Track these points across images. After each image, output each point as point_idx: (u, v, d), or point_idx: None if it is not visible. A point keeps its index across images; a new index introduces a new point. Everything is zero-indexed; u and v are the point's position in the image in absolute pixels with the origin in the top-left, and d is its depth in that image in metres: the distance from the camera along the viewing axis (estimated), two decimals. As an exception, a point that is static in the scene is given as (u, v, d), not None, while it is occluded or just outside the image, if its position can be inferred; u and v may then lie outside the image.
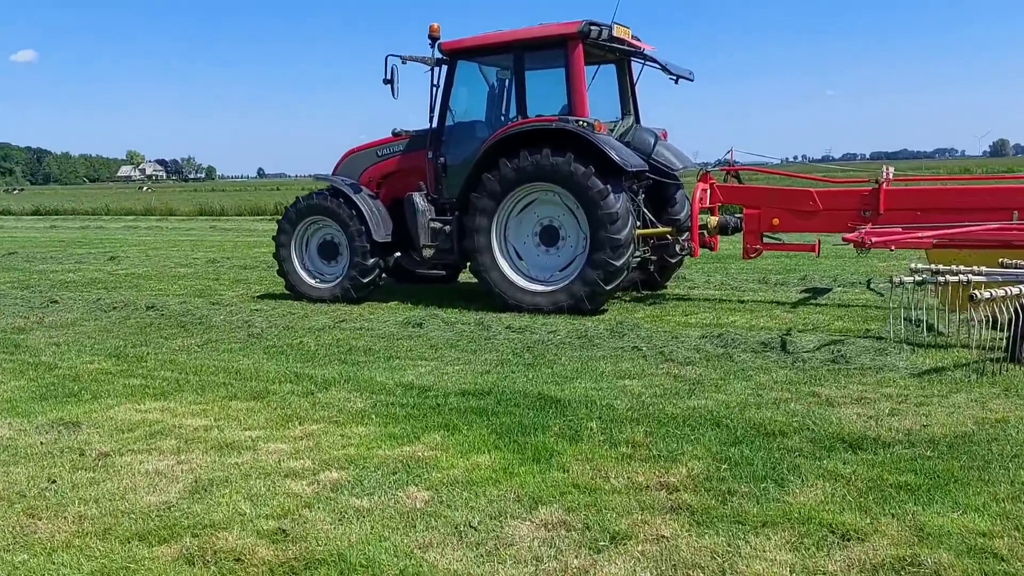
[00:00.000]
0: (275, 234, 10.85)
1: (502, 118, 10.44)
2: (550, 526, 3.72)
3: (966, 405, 5.29)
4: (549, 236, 9.40)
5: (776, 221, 9.17)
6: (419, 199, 10.15)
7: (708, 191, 9.57)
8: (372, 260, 10.25)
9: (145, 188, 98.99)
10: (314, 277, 10.73)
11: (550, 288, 9.27)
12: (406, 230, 10.25)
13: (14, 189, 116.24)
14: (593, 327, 8.06)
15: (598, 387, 5.91)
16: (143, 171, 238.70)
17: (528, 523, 3.75)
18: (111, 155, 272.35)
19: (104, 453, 4.85)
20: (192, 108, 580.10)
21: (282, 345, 7.72)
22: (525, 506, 3.92)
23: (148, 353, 7.45)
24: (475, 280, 9.75)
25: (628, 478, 4.22)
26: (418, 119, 10.08)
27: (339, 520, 3.83)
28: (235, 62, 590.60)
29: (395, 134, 10.55)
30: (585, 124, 9.03)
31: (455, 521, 3.78)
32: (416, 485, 4.22)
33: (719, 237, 9.98)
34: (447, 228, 10.06)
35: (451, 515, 3.84)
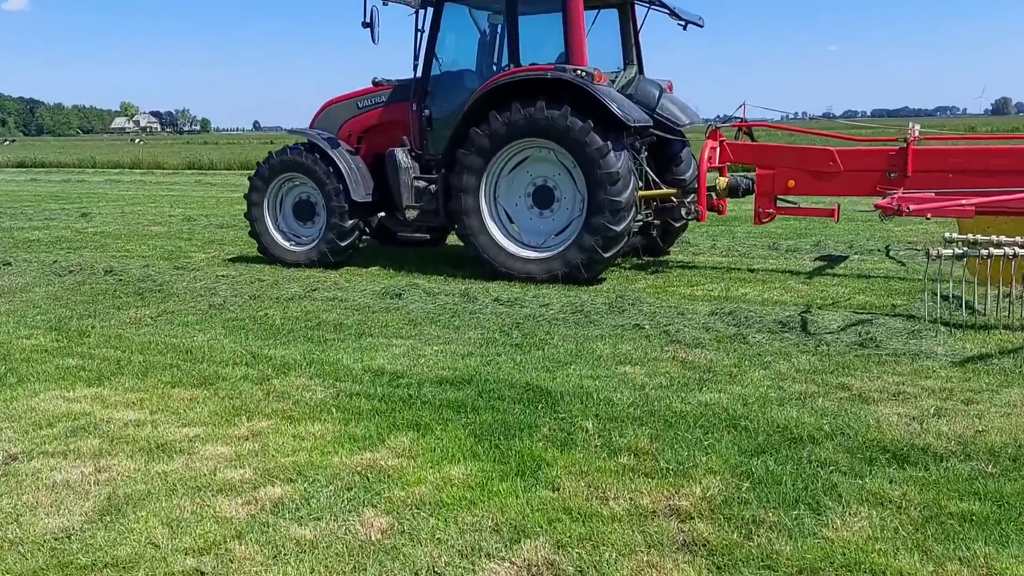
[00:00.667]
0: (247, 192, 10.01)
1: (493, 67, 9.55)
2: (534, 569, 2.99)
3: (1022, 404, 4.55)
4: (543, 197, 8.58)
5: (792, 183, 8.34)
6: (402, 155, 9.30)
7: (717, 149, 8.72)
8: (351, 222, 9.44)
9: (137, 140, 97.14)
10: (289, 239, 9.92)
11: (544, 255, 8.47)
12: (388, 189, 9.42)
13: (5, 140, 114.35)
14: (590, 300, 7.28)
15: (595, 375, 5.16)
16: (137, 123, 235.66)
17: (507, 564, 3.02)
18: (105, 106, 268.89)
19: (12, 456, 4.11)
20: (188, 60, 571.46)
21: (244, 318, 6.94)
22: (504, 539, 3.19)
23: (94, 326, 6.68)
24: (462, 244, 8.95)
25: (630, 500, 3.49)
26: (403, 67, 9.11)
27: (273, 558, 3.10)
28: (232, 12, 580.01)
29: (376, 83, 9.66)
30: (584, 74, 8.15)
31: (417, 562, 3.05)
32: (374, 506, 3.48)
33: (727, 200, 9.15)
34: (432, 188, 9.23)
35: (412, 552, 3.11)
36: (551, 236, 8.58)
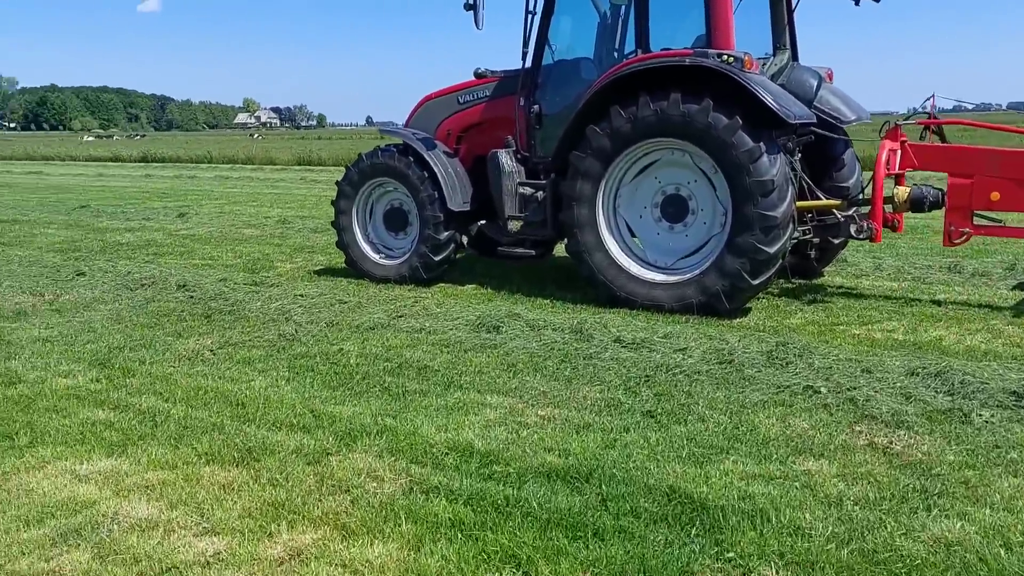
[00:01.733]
0: (334, 198, 8.96)
1: (615, 54, 8.14)
2: None
3: None
4: (675, 209, 7.12)
5: (996, 195, 6.58)
6: (505, 158, 8.01)
7: (898, 152, 7.04)
8: (446, 234, 8.23)
9: (255, 136, 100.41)
10: (379, 251, 8.80)
11: (674, 279, 7.02)
12: (489, 196, 8.17)
13: (136, 135, 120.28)
14: (739, 344, 5.78)
15: (766, 474, 3.71)
16: (258, 118, 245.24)
17: None
18: (229, 102, 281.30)
19: (-29, 575, 3.03)
20: (307, 56, 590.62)
21: (315, 354, 5.81)
22: None
23: (144, 361, 5.69)
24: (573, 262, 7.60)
25: None
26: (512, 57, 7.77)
27: None
28: (350, 9, 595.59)
29: (478, 75, 8.40)
30: (731, 60, 6.65)
31: None
32: None
33: (906, 214, 7.42)
34: (539, 195, 7.91)
35: None
36: (684, 256, 7.12)
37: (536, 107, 7.99)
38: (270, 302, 7.43)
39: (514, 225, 8.14)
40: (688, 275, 6.95)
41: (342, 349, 5.92)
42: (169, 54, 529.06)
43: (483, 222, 8.81)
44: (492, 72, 8.37)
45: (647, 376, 5.19)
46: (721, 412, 4.52)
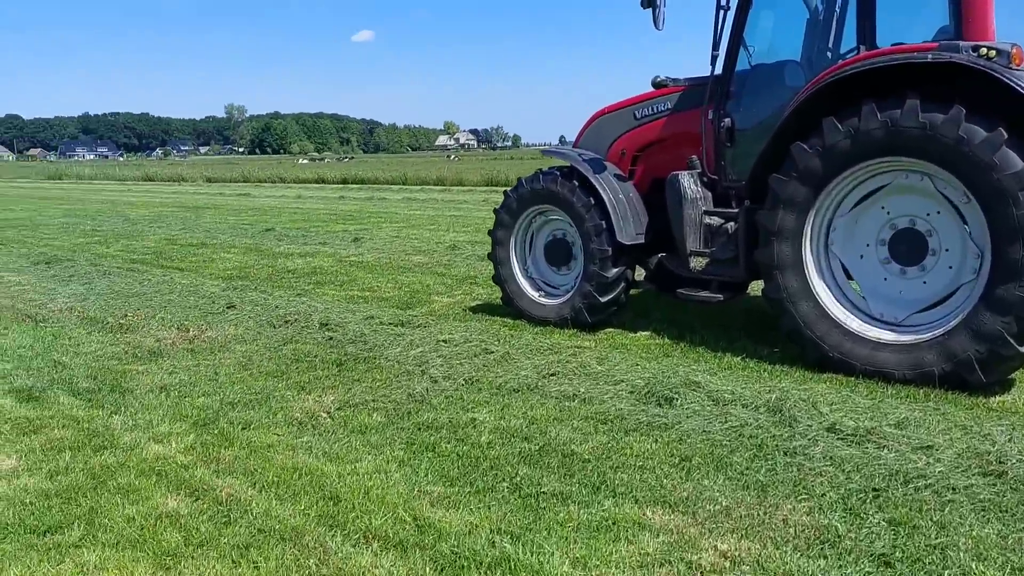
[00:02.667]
0: (491, 227, 8.00)
1: (828, 54, 6.62)
2: None
3: None
4: (908, 248, 5.50)
5: None
6: (688, 181, 6.70)
7: None
8: (614, 271, 7.02)
9: (452, 157, 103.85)
10: (539, 288, 7.73)
11: (907, 338, 5.39)
12: (668, 226, 6.88)
13: (345, 158, 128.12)
14: (1010, 442, 4.13)
15: None
16: (457, 140, 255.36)
17: None
18: (431, 125, 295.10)
19: None
20: (504, 79, 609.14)
21: (442, 425, 4.79)
22: None
23: (250, 424, 4.92)
24: (771, 308, 6.13)
25: None
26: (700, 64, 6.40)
27: None
28: (546, 31, 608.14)
29: (657, 85, 7.13)
30: (992, 53, 4.99)
31: None
32: None
33: None
34: (729, 227, 6.53)
35: None
36: (919, 309, 5.48)
37: (727, 121, 6.62)
38: (410, 348, 6.53)
39: (697, 263, 6.79)
40: (927, 335, 5.30)
41: (475, 419, 4.86)
42: (379, 81, 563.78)
43: (663, 254, 7.54)
44: (674, 80, 7.08)
45: (876, 490, 3.71)
46: (995, 563, 2.99)
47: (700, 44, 7.12)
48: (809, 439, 4.34)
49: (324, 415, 5.07)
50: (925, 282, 5.45)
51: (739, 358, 6.06)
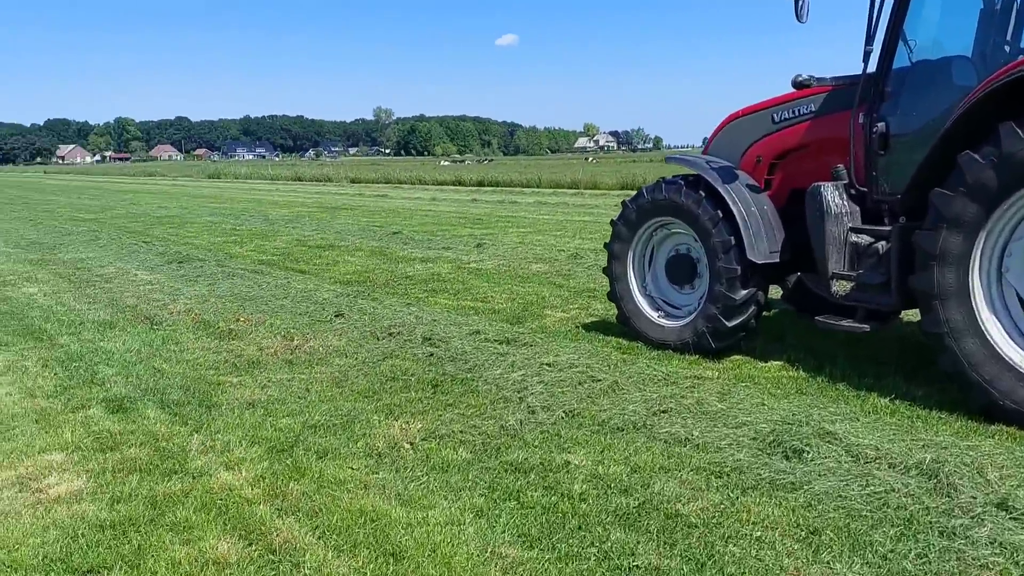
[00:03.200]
0: (608, 240, 7.40)
1: (1006, 48, 5.64)
2: None
3: None
4: (1108, 281, 4.51)
5: None
6: (832, 194, 5.88)
7: None
8: (743, 292, 6.27)
9: (590, 159, 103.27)
10: (657, 308, 7.07)
11: (1103, 392, 4.41)
12: (808, 244, 6.07)
13: (485, 160, 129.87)
14: None
15: None
16: (596, 142, 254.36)
17: None
18: (571, 127, 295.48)
19: None
20: (645, 80, 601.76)
21: (533, 465, 4.27)
22: None
23: (327, 453, 4.57)
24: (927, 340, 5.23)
25: None
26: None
27: None
28: (687, 29, 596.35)
29: (799, 85, 6.28)
30: None
31: None
32: None
33: None
34: (880, 248, 5.66)
35: None
36: (1121, 357, 4.47)
37: (881, 125, 5.74)
38: (512, 370, 6.04)
39: (841, 287, 5.93)
40: None
41: (569, 462, 4.30)
42: (521, 84, 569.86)
43: (803, 273, 6.73)
44: (819, 80, 6.23)
45: (1064, 601, 2.89)
46: None
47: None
48: (973, 517, 3.52)
49: (407, 445, 4.66)
50: None
51: (887, 400, 5.19)
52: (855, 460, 4.18)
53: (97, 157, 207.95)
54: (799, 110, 6.58)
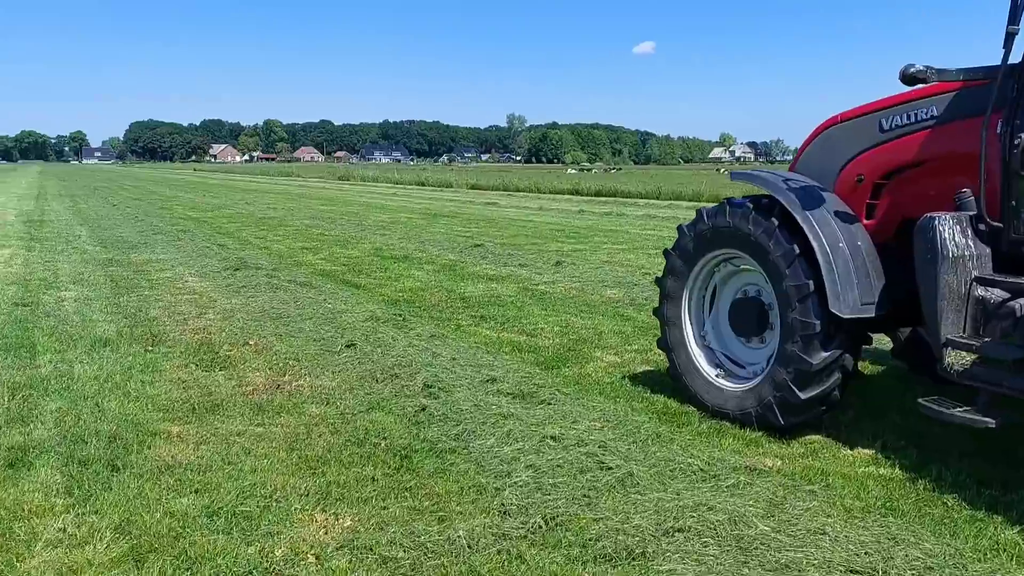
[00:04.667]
0: (659, 275, 5.96)
1: None
2: None
3: None
4: None
5: None
6: (950, 229, 4.26)
7: None
8: (823, 355, 4.70)
9: (722, 171, 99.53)
10: (717, 364, 5.57)
11: None
12: (917, 294, 4.46)
13: (612, 168, 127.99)
14: None
15: None
16: (732, 153, 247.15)
17: None
18: (707, 137, 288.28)
19: None
20: (787, 90, 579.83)
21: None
22: None
23: (200, 562, 3.41)
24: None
25: None
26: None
27: None
28: (832, 37, 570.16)
29: (911, 80, 4.57)
30: None
31: None
32: None
33: None
34: (1018, 308, 3.99)
35: None
36: None
37: (1025, 135, 4.08)
38: (506, 442, 4.71)
39: (957, 359, 4.27)
40: None
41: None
42: (656, 92, 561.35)
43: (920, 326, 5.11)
44: (939, 73, 4.54)
45: None
46: None
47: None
48: None
49: (311, 558, 3.44)
50: None
51: (1015, 533, 3.55)
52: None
53: (246, 157, 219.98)
54: (916, 115, 4.94)
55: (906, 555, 3.37)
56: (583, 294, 10.27)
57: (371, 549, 3.49)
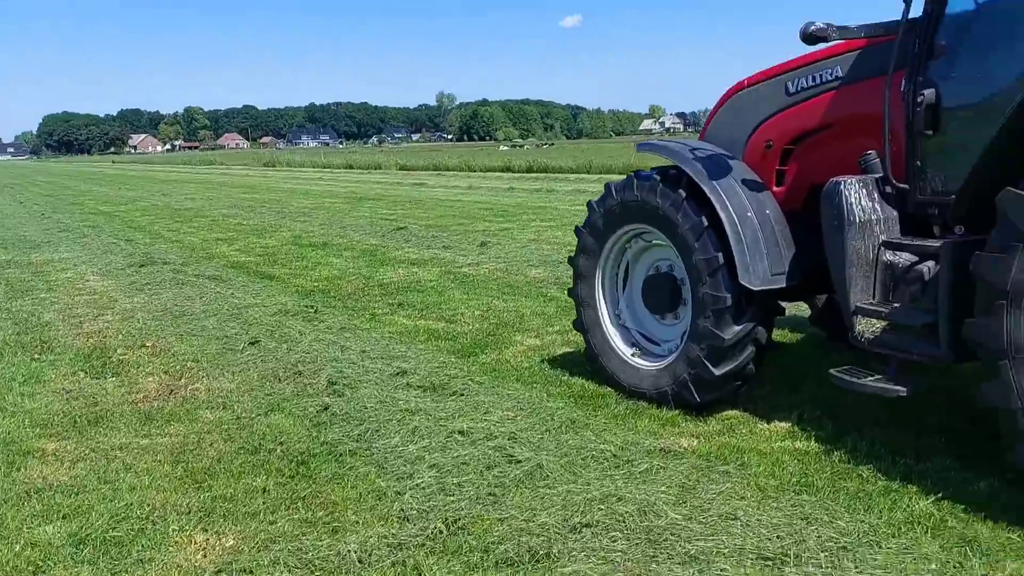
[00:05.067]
0: (572, 253, 5.74)
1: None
2: None
3: None
4: None
5: None
6: (855, 193, 4.13)
7: None
8: (735, 329, 4.55)
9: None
10: (633, 343, 5.39)
11: None
12: (824, 262, 4.33)
13: (544, 144, 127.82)
14: None
15: None
16: (662, 124, 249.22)
17: None
18: (636, 110, 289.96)
19: None
20: (713, 59, 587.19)
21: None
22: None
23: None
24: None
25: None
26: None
27: None
28: (757, 10, 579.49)
29: (811, 39, 4.39)
30: None
31: None
32: None
33: None
34: (926, 271, 3.88)
35: None
36: None
37: (929, 93, 3.94)
38: (411, 440, 4.44)
39: (867, 327, 4.14)
40: None
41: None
42: (585, 66, 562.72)
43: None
44: (841, 31, 4.37)
45: None
46: None
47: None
48: None
49: (187, 586, 3.13)
50: None
51: (929, 503, 3.44)
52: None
53: (167, 146, 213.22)
54: (821, 76, 4.79)
55: (819, 535, 3.23)
56: (507, 275, 10.04)
57: (251, 572, 3.20)
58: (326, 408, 5.05)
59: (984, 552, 3.09)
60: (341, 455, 4.32)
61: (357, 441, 4.50)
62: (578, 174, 34.69)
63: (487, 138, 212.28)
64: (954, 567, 3.00)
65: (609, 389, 5.26)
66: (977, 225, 3.65)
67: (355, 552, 3.28)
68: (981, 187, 3.55)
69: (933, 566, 3.01)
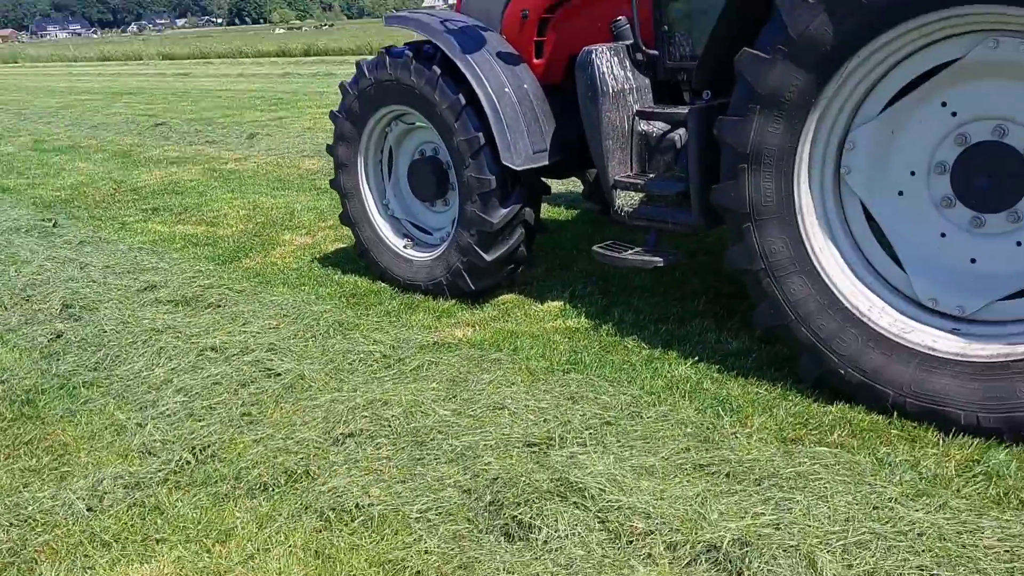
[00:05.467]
0: (330, 142, 5.32)
1: None
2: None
3: None
4: (988, 177, 2.88)
5: None
6: (607, 62, 3.99)
7: None
8: (503, 212, 4.40)
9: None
10: (404, 235, 5.13)
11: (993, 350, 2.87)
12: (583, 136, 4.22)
13: (324, 25, 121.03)
14: None
15: None
16: (446, 0, 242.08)
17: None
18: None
19: None
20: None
21: None
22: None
23: None
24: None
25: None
26: None
27: None
28: None
29: None
30: None
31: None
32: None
33: None
34: (677, 140, 3.87)
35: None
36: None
37: (672, -48, 3.81)
38: (157, 363, 4.00)
39: (626, 200, 4.12)
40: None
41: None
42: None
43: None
44: None
45: None
46: None
47: None
48: None
49: None
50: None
51: (687, 369, 3.54)
52: (612, 537, 2.47)
53: None
54: (571, -57, 4.56)
55: (583, 414, 3.22)
56: (278, 168, 9.38)
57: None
58: (59, 336, 4.45)
59: (734, 410, 3.21)
60: (75, 388, 3.82)
61: (94, 371, 3.99)
62: (360, 55, 33.07)
63: (261, 21, 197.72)
64: (707, 428, 3.09)
65: (383, 285, 5.02)
66: (724, 90, 3.64)
67: (84, 499, 2.89)
68: (722, 50, 3.51)
69: (689, 430, 3.08)
